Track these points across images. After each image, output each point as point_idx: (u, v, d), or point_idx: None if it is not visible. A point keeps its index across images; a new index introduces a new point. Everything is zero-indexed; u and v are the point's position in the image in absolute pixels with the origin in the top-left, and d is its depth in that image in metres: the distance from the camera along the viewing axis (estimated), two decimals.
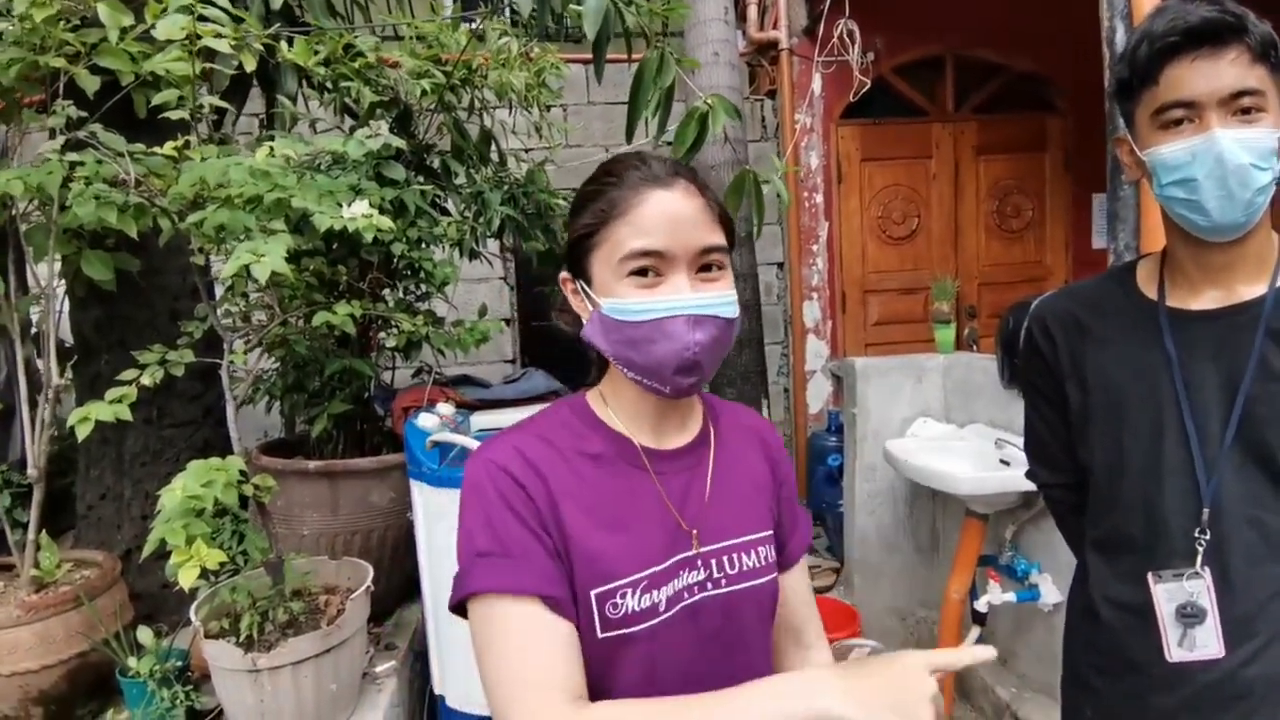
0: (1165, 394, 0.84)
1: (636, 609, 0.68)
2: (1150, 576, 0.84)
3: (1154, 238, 1.65)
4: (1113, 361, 0.89)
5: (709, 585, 0.73)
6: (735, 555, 0.75)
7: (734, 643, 0.74)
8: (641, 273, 0.67)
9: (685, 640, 0.71)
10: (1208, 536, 0.81)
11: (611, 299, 0.68)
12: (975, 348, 2.90)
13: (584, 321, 0.73)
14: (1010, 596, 1.93)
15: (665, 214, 0.67)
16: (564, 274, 0.75)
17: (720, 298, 0.68)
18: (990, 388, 2.22)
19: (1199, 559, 0.81)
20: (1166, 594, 0.82)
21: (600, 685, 0.67)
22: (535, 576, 0.65)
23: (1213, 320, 0.83)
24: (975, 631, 1.99)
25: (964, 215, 3.96)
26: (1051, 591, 1.90)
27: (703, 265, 0.68)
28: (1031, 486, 1.82)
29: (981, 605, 1.95)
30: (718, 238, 0.69)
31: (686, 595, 0.72)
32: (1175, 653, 0.82)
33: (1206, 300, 0.85)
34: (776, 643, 0.84)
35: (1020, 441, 1.92)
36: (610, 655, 0.68)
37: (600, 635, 0.67)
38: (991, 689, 2.13)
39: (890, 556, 2.61)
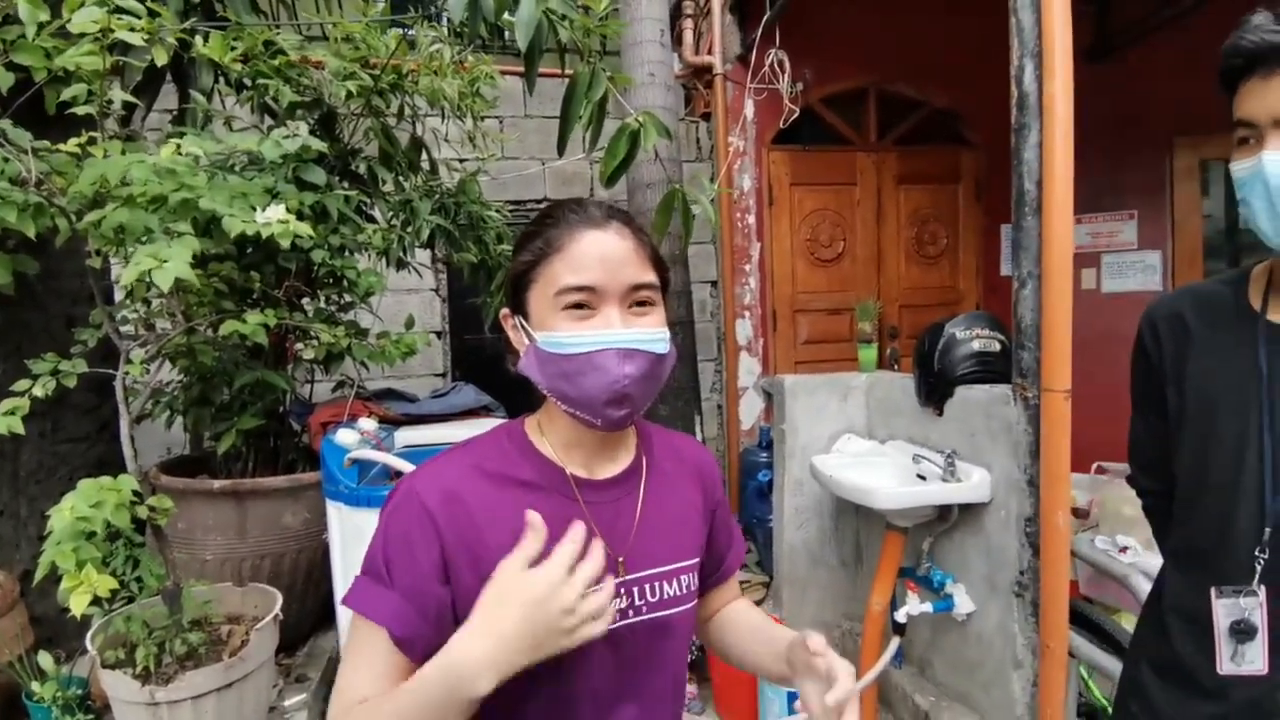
0: (1252, 408, 0.83)
1: None
2: (1213, 591, 0.85)
3: (1055, 266, 1.73)
4: (1209, 369, 0.87)
5: (630, 613, 0.75)
6: (658, 583, 0.77)
7: (649, 667, 0.77)
8: (575, 306, 0.69)
9: (600, 664, 0.72)
10: (1266, 555, 0.82)
11: (546, 332, 0.70)
12: (896, 366, 3.02)
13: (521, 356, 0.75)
14: (927, 607, 2.00)
15: (599, 251, 0.70)
16: (504, 310, 0.77)
17: (650, 334, 0.71)
18: (909, 405, 2.31)
19: (1256, 577, 0.83)
20: (1225, 609, 0.84)
21: (509, 702, 0.69)
22: (392, 612, 0.68)
23: None
24: (895, 641, 2.05)
25: (886, 240, 4.14)
26: (965, 601, 1.98)
27: (635, 301, 0.72)
28: (946, 499, 1.94)
29: (901, 616, 2.00)
30: (649, 276, 0.73)
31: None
32: (1226, 666, 0.84)
33: None
34: (747, 646, 0.86)
35: (935, 456, 2.03)
36: (525, 673, 0.69)
37: None
38: (910, 697, 2.20)
39: (816, 570, 2.66)
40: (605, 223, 0.72)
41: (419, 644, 0.68)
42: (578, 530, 0.63)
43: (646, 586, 0.76)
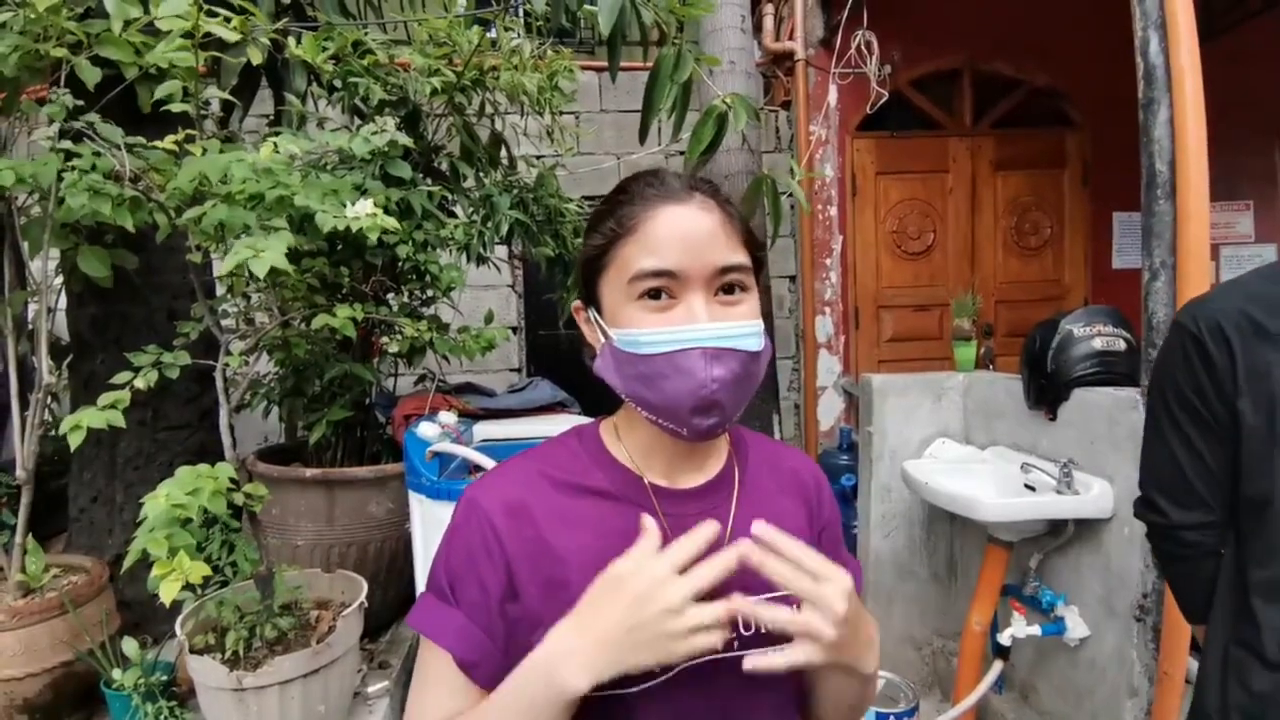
0: None
1: None
2: None
3: (1191, 253, 1.57)
4: None
5: (722, 646, 0.65)
6: None
7: (750, 711, 0.66)
8: (652, 295, 0.61)
9: (691, 706, 0.63)
10: None
11: (622, 329, 0.62)
12: (991, 366, 2.82)
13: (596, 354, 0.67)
14: (1035, 630, 1.83)
15: (678, 230, 0.61)
16: (576, 302, 0.70)
17: (741, 328, 0.61)
18: (1013, 409, 2.13)
19: None
20: None
21: None
22: (456, 634, 0.63)
23: None
24: (998, 666, 1.89)
25: (981, 231, 3.89)
26: (1078, 625, 1.81)
27: (722, 286, 0.62)
28: (1061, 513, 1.77)
29: (1005, 638, 1.85)
30: (739, 256, 0.63)
31: (695, 656, 0.64)
32: None
33: None
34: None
35: (1047, 465, 1.86)
36: (603, 717, 0.61)
37: (589, 692, 0.60)
38: None
39: (904, 582, 2.51)
40: (687, 196, 0.63)
41: (485, 666, 0.62)
42: (707, 527, 0.56)
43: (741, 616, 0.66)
